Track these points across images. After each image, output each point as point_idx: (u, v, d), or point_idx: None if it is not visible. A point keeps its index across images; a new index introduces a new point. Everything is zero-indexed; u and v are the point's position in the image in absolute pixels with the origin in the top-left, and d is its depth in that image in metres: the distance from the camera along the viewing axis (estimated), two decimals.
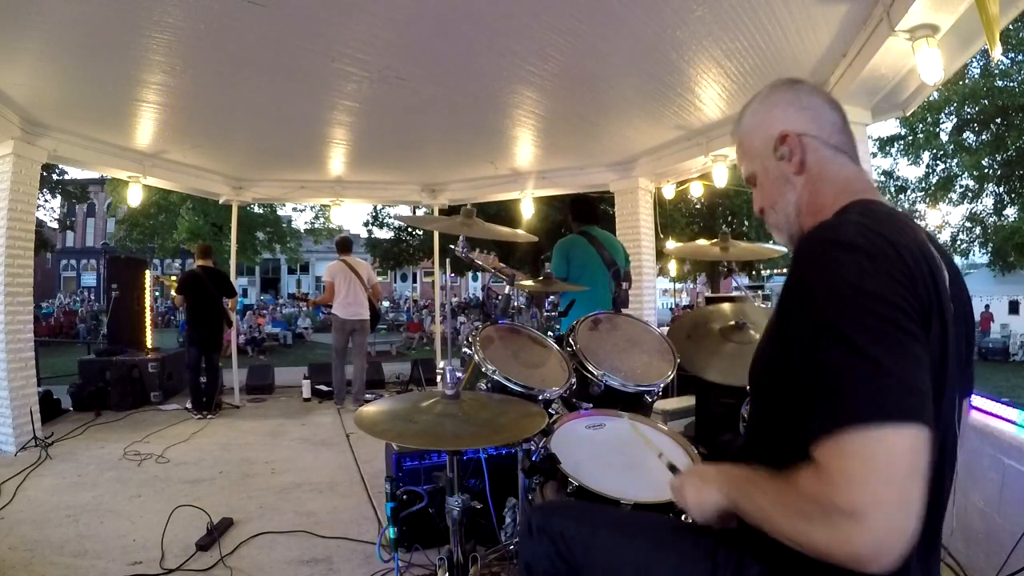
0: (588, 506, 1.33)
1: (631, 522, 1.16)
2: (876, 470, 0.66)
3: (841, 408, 0.69)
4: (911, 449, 0.68)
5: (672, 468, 1.27)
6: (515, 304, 2.28)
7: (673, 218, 14.11)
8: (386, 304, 28.05)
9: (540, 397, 1.81)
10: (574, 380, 1.94)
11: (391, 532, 2.07)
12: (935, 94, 12.89)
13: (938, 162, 15.69)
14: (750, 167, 1.09)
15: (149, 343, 7.24)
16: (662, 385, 2.01)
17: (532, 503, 1.69)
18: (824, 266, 0.79)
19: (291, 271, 34.58)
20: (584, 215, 3.76)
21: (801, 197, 1.02)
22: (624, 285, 3.60)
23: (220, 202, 6.61)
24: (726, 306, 2.46)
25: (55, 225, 22.84)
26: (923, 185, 16.04)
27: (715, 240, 2.49)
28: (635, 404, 1.98)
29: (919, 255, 0.81)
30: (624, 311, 2.42)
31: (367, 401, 3.74)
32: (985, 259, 15.98)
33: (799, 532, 0.72)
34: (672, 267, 18.44)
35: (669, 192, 6.37)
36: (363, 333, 6.01)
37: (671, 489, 1.07)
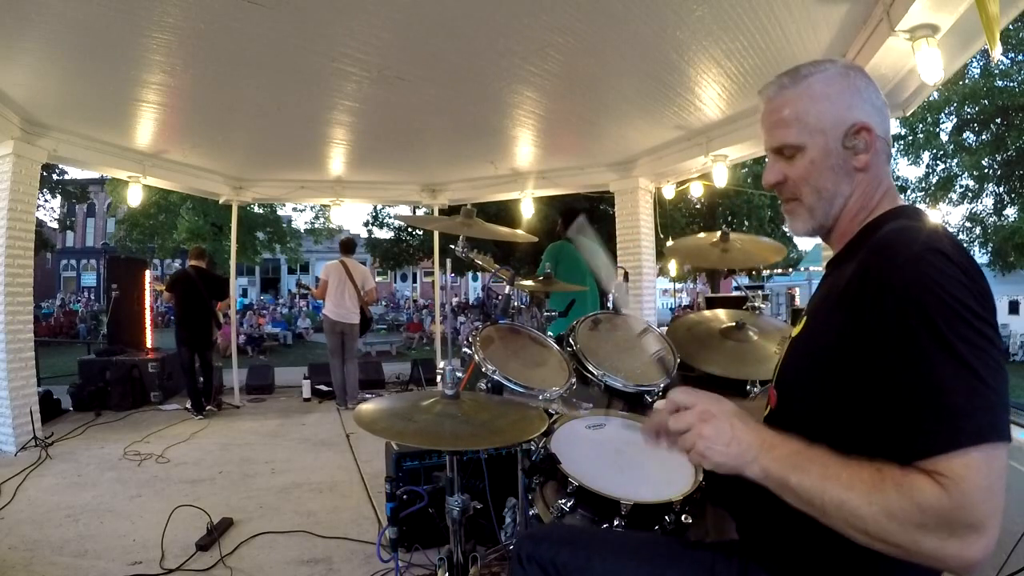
0: (578, 530, 1.31)
1: (625, 545, 1.13)
2: (996, 485, 0.71)
3: (967, 427, 0.72)
4: (1006, 464, 0.73)
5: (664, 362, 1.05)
6: (515, 304, 2.28)
7: (673, 218, 14.11)
8: (385, 305, 28.06)
9: (540, 397, 1.81)
10: (574, 380, 1.94)
11: (391, 532, 2.07)
12: (935, 94, 12.90)
13: (938, 162, 15.70)
14: (798, 136, 0.98)
15: (149, 343, 7.24)
16: (662, 385, 2.01)
17: (533, 503, 1.69)
18: (932, 272, 0.78)
19: (291, 271, 34.55)
20: (571, 222, 4.00)
21: (855, 194, 0.98)
22: (624, 285, 3.65)
23: (220, 202, 6.61)
24: (723, 313, 2.45)
25: (55, 225, 22.86)
26: (923, 185, 16.05)
27: (715, 242, 2.48)
28: (635, 404, 1.98)
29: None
30: (624, 311, 2.42)
31: (365, 400, 3.73)
32: (985, 259, 15.96)
33: (899, 535, 0.72)
34: (672, 267, 18.42)
35: (669, 192, 6.37)
36: (353, 337, 6.04)
37: (670, 402, 0.91)
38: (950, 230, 0.93)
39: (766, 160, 1.07)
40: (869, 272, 0.84)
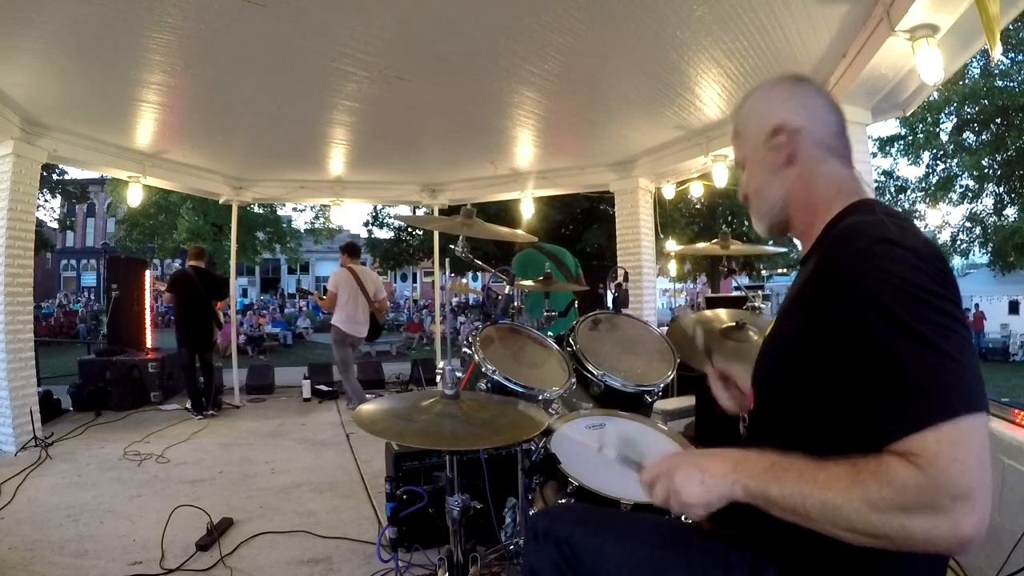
0: (594, 510, 1.32)
1: (638, 528, 1.14)
2: (977, 455, 0.70)
3: (933, 403, 0.72)
4: (986, 434, 0.73)
5: (629, 462, 1.04)
6: (515, 304, 2.28)
7: (673, 218, 14.10)
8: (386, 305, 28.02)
9: (540, 397, 1.81)
10: (574, 380, 1.94)
11: (391, 532, 2.07)
12: (935, 94, 12.90)
13: (938, 162, 15.69)
14: (741, 151, 1.12)
15: (149, 343, 7.24)
16: (662, 385, 2.01)
17: (533, 503, 1.69)
18: (880, 262, 0.79)
19: (291, 271, 34.55)
20: (545, 230, 4.13)
21: (792, 191, 1.04)
22: (624, 285, 3.67)
23: (220, 202, 6.61)
24: (723, 312, 2.45)
25: (55, 225, 22.83)
26: (923, 185, 16.05)
27: (715, 241, 2.49)
28: (635, 404, 1.98)
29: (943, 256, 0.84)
30: (624, 311, 2.43)
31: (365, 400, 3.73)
32: (985, 259, 15.98)
33: (885, 524, 0.72)
34: (672, 267, 18.43)
35: (669, 192, 6.36)
36: (358, 346, 5.99)
37: (642, 485, 0.95)
38: (907, 216, 0.95)
39: None
40: (821, 270, 0.86)
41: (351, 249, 5.87)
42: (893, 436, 0.73)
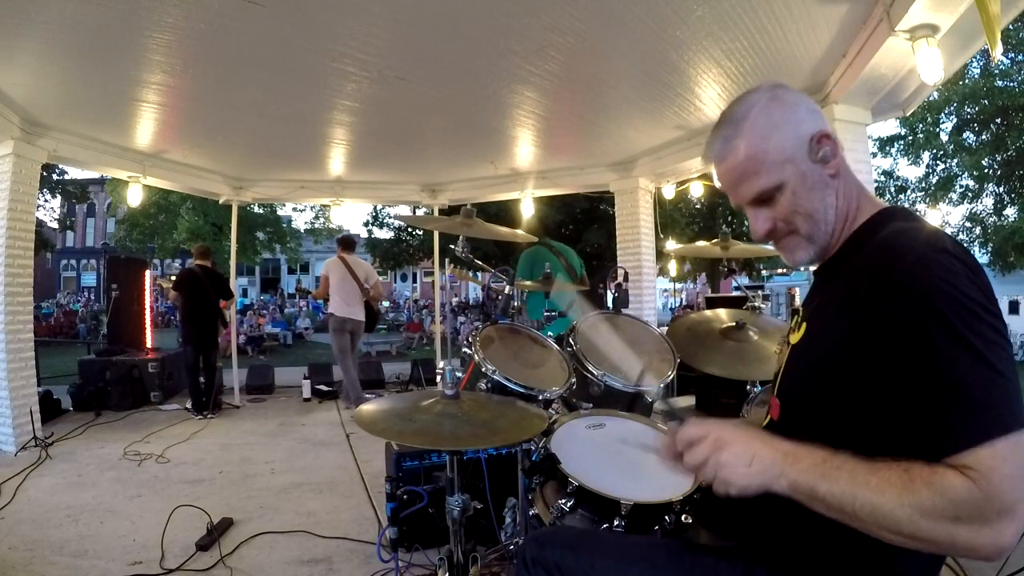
0: (583, 533, 1.32)
1: (627, 549, 1.13)
2: (1022, 471, 0.72)
3: (990, 419, 0.73)
4: None
5: (669, 414, 1.05)
6: (515, 304, 2.28)
7: (673, 218, 14.10)
8: (386, 304, 28.04)
9: (540, 397, 1.81)
10: (574, 380, 1.94)
11: (391, 532, 2.07)
12: (935, 94, 12.88)
13: (938, 162, 15.67)
14: (769, 178, 0.95)
15: (149, 343, 7.25)
16: (662, 385, 2.01)
17: (533, 503, 1.68)
18: (941, 272, 0.79)
19: (291, 271, 34.57)
20: (545, 230, 4.19)
21: (839, 202, 0.97)
22: (624, 285, 3.68)
23: (220, 202, 6.61)
24: (723, 312, 2.45)
25: (55, 225, 22.83)
26: (923, 185, 16.03)
27: (715, 241, 2.49)
28: (635, 404, 1.98)
29: None
30: (624, 311, 2.43)
31: (366, 400, 3.73)
32: (985, 259, 15.95)
33: (933, 531, 0.73)
34: (672, 267, 18.44)
35: (669, 192, 6.36)
36: (358, 335, 5.94)
37: (680, 442, 0.91)
38: (947, 230, 0.95)
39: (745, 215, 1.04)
40: (879, 275, 0.84)
41: (344, 242, 6.11)
42: (951, 449, 0.74)
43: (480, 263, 2.40)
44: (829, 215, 0.96)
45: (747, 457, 0.85)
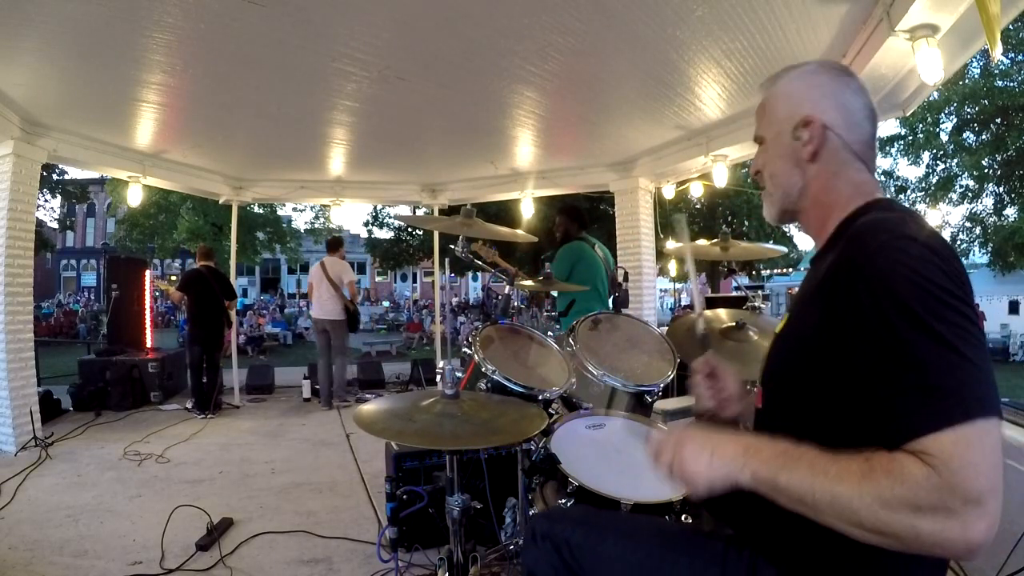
0: (593, 512, 1.32)
1: (637, 528, 1.14)
2: (990, 460, 0.70)
3: (951, 404, 0.71)
4: (999, 439, 0.72)
5: (638, 431, 1.10)
6: (515, 304, 2.28)
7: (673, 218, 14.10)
8: (386, 304, 28.05)
9: (540, 397, 1.81)
10: (574, 380, 1.94)
11: (391, 532, 2.07)
12: (935, 94, 12.90)
13: (938, 162, 15.69)
14: (764, 130, 1.07)
15: (149, 343, 7.25)
16: (662, 385, 2.01)
17: (533, 503, 1.69)
18: (902, 257, 0.79)
19: (291, 271, 34.55)
20: (582, 222, 4.11)
21: (811, 186, 1.01)
22: (624, 285, 3.66)
23: (220, 202, 6.62)
24: (723, 312, 2.45)
25: (55, 225, 22.84)
26: (923, 185, 16.04)
27: (715, 241, 2.49)
28: (635, 404, 1.98)
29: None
30: (624, 311, 2.43)
31: (364, 400, 3.73)
32: (985, 259, 15.96)
33: (894, 522, 0.71)
34: (672, 267, 18.43)
35: (669, 192, 6.36)
36: (338, 335, 6.04)
37: (649, 453, 0.95)
38: (925, 218, 0.94)
39: None
40: (840, 264, 0.85)
41: (328, 243, 6.42)
42: (909, 435, 0.72)
43: (480, 263, 2.40)
44: (792, 190, 1.04)
45: (707, 452, 0.87)
